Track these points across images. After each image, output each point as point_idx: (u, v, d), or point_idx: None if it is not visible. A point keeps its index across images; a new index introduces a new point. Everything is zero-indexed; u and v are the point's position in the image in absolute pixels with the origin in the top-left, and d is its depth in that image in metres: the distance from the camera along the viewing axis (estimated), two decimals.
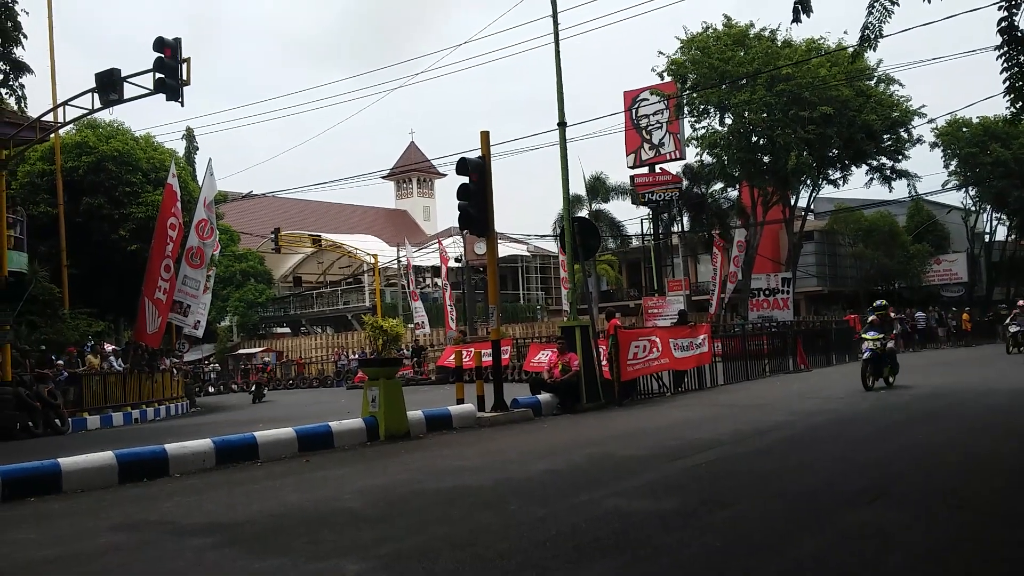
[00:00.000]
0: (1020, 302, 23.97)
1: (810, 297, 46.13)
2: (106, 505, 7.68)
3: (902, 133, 36.30)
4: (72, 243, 25.48)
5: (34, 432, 16.36)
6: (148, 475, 8.98)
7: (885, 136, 36.17)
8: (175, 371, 24.89)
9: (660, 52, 36.91)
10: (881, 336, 15.10)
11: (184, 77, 15.64)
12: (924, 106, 36.42)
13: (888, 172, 37.16)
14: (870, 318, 15.94)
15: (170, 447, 9.47)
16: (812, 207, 41.01)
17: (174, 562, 5.42)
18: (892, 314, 17.13)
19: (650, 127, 41.66)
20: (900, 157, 37.00)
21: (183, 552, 5.67)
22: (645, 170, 41.56)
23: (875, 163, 37.19)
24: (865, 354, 15.19)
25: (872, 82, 35.99)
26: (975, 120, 41.08)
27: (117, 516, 7.11)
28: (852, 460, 8.15)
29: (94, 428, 18.62)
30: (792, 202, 38.74)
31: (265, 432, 10.58)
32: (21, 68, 16.02)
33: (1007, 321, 24.95)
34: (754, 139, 35.56)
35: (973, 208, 45.22)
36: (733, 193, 41.73)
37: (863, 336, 15.51)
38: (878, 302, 16.25)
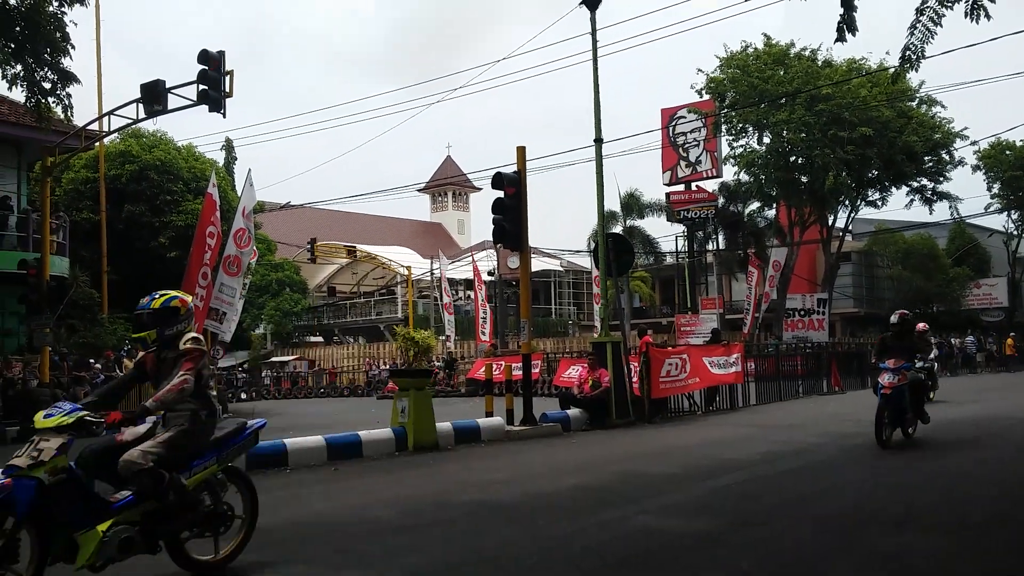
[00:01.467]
0: None
1: (846, 319, 45.50)
2: None
3: (944, 155, 35.80)
4: (113, 249, 25.98)
5: None
6: None
7: (926, 158, 35.69)
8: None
9: (699, 70, 36.87)
10: (903, 366, 10.45)
11: (227, 89, 15.88)
12: (967, 128, 35.99)
13: (929, 194, 36.67)
14: (882, 335, 11.78)
15: None
16: (850, 228, 40.53)
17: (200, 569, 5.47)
18: (921, 329, 13.95)
19: (687, 145, 41.53)
20: (941, 179, 36.51)
21: None
22: (681, 187, 41.42)
23: (915, 184, 36.71)
24: (880, 392, 10.35)
25: (914, 103, 35.58)
26: (1019, 143, 40.38)
27: None
28: (884, 485, 8.02)
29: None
30: (830, 222, 38.34)
31: (295, 439, 10.67)
32: (68, 78, 16.34)
33: None
34: (792, 159, 35.29)
35: (1015, 232, 44.39)
36: (770, 212, 41.41)
37: (881, 365, 10.67)
38: (894, 317, 11.30)
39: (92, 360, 19.88)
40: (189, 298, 5.54)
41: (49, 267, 17.76)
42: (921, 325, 14.19)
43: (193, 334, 5.37)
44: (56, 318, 17.84)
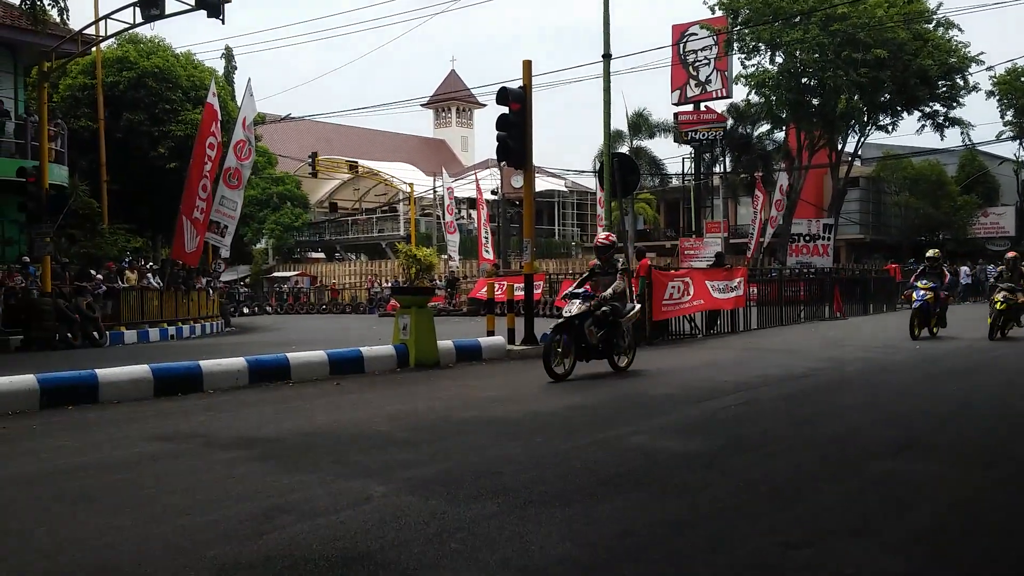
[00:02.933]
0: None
1: (851, 245, 45.33)
2: (141, 417, 7.87)
3: (958, 80, 35.03)
4: (112, 159, 25.72)
5: (72, 343, 16.74)
6: (182, 390, 9.16)
7: (940, 82, 34.94)
8: (211, 290, 25.24)
9: None
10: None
11: None
12: (983, 53, 34.99)
13: (941, 120, 36.01)
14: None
15: (204, 364, 9.64)
16: (859, 153, 39.99)
17: (206, 473, 5.54)
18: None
19: (697, 63, 40.62)
20: (954, 105, 35.79)
21: (214, 464, 5.79)
22: (690, 108, 40.72)
23: (928, 110, 36.02)
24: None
25: (930, 25, 34.64)
26: None
27: (151, 427, 7.27)
28: (883, 409, 8.06)
29: (131, 342, 19.04)
30: (839, 147, 37.80)
31: (298, 354, 10.72)
32: None
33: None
34: (804, 80, 34.56)
35: None
36: (779, 135, 40.81)
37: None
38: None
39: (93, 271, 19.87)
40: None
41: (48, 175, 17.59)
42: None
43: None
44: (56, 227, 17.77)
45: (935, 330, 15.00)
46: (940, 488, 5.16)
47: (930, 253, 15.57)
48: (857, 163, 40.98)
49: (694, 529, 4.29)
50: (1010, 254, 15.54)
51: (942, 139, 36.91)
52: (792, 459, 5.93)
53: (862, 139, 38.61)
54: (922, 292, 14.58)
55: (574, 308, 10.08)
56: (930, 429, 7.13)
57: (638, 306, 11.36)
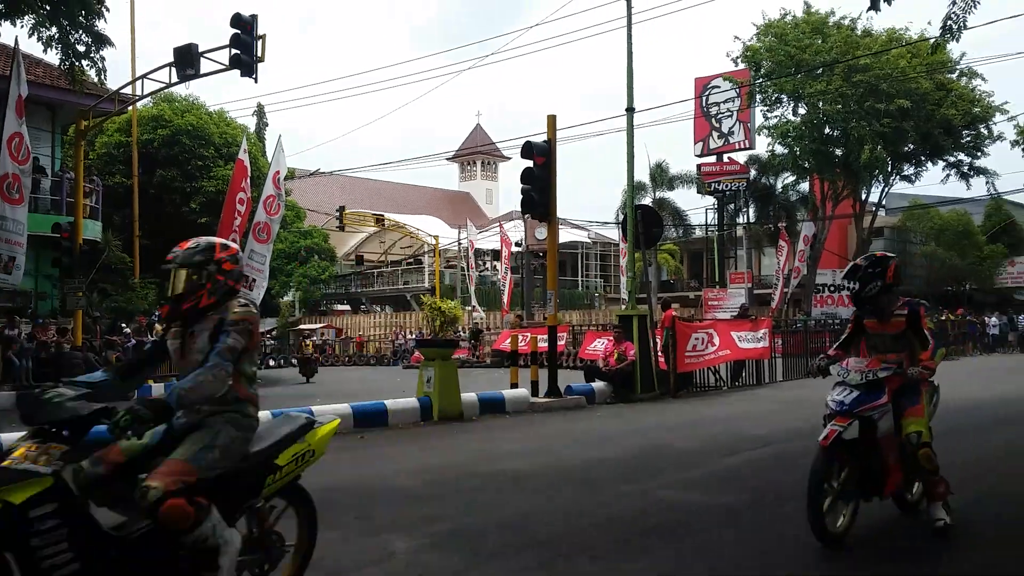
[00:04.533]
0: None
1: None
2: None
3: (982, 129, 35.01)
4: (145, 214, 26.26)
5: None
6: None
7: (964, 132, 34.94)
8: None
9: (736, 37, 36.40)
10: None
11: (259, 54, 15.90)
12: (1007, 102, 35.05)
13: (966, 169, 35.94)
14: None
15: None
16: (884, 203, 39.87)
17: None
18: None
19: (720, 115, 40.96)
20: (979, 154, 35.72)
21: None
22: (713, 159, 40.95)
23: (952, 159, 35.97)
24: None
25: (953, 75, 34.78)
26: None
27: None
28: None
29: (158, 395, 19.17)
30: (863, 197, 37.74)
31: (322, 407, 10.79)
32: (102, 41, 16.45)
33: None
34: (827, 131, 34.71)
35: None
36: (803, 186, 40.86)
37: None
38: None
39: (123, 324, 20.16)
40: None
41: (82, 231, 18.00)
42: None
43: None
44: (89, 282, 18.10)
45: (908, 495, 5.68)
46: (969, 541, 5.08)
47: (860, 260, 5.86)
48: (882, 213, 40.84)
49: None
50: None
51: (967, 188, 36.79)
52: None
53: (886, 189, 38.56)
54: (834, 399, 5.23)
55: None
56: (962, 480, 7.01)
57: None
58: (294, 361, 40.15)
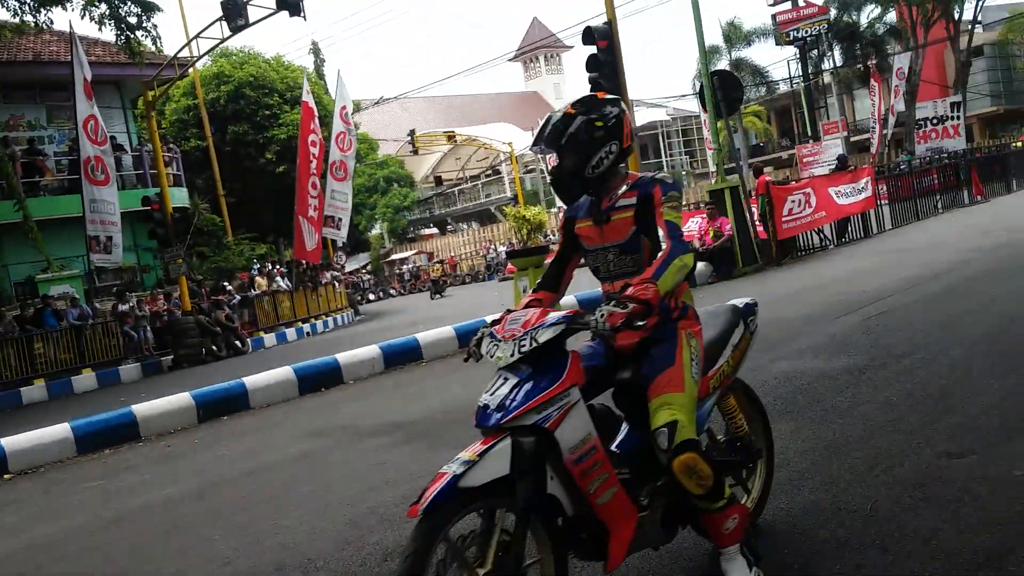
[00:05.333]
0: None
1: (984, 120, 42.10)
2: (291, 417, 8.22)
3: None
4: (225, 172, 26.83)
5: (218, 355, 17.67)
6: (325, 385, 9.50)
7: None
8: (336, 283, 26.08)
9: None
10: None
11: None
12: None
13: None
14: None
15: (341, 356, 9.95)
16: (980, 18, 36.88)
17: (359, 463, 5.75)
18: None
19: None
20: None
21: (365, 453, 5.98)
22: (788, 5, 38.56)
23: None
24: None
25: None
26: None
27: (302, 426, 7.58)
28: None
29: (271, 345, 19.94)
30: (956, 16, 34.97)
31: (426, 333, 10.90)
32: (151, 8, 16.55)
33: None
34: None
35: None
36: (889, 16, 38.09)
37: None
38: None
39: (225, 283, 20.86)
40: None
41: (170, 199, 18.50)
42: None
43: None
44: (186, 248, 18.70)
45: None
46: None
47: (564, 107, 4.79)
48: (979, 30, 37.84)
49: (849, 451, 4.12)
50: None
51: None
52: (943, 364, 5.56)
53: (981, 2, 35.60)
54: (486, 403, 3.39)
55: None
56: None
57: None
58: (392, 292, 41.03)
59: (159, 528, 5.09)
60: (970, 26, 36.00)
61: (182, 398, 8.67)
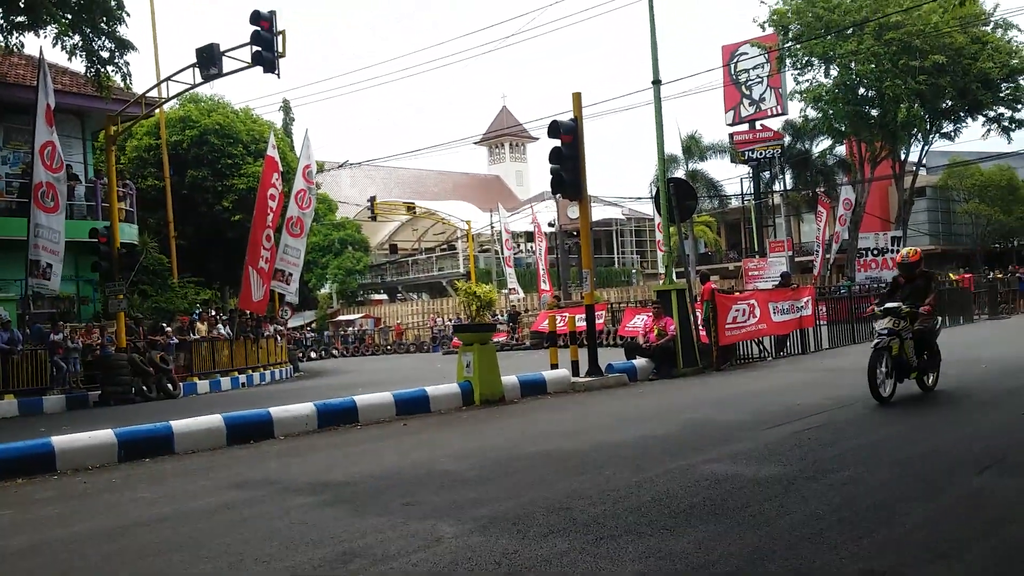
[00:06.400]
0: None
1: (922, 256, 43.98)
2: (216, 466, 8.00)
3: (1022, 81, 33.99)
4: (179, 215, 26.60)
5: (148, 396, 17.21)
6: (255, 437, 9.31)
7: (1003, 85, 33.95)
8: (278, 337, 25.74)
9: (761, 1, 35.54)
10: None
11: (280, 49, 15.89)
12: None
13: (1007, 123, 34.95)
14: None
15: (275, 411, 9.79)
16: (924, 161, 38.98)
17: (280, 520, 5.59)
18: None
19: (750, 82, 40.33)
20: (1020, 106, 34.70)
21: (289, 511, 5.84)
22: (745, 127, 40.34)
23: (992, 113, 35.01)
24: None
25: (988, 27, 33.79)
26: None
27: (226, 476, 7.39)
28: (965, 426, 7.74)
29: (204, 392, 19.47)
30: (902, 157, 36.91)
31: (365, 396, 10.81)
32: (125, 46, 16.64)
33: None
34: (861, 91, 33.95)
35: None
36: (839, 149, 40.04)
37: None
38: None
39: (165, 324, 20.45)
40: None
41: (119, 234, 18.24)
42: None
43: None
44: (128, 284, 18.36)
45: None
46: None
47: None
48: (922, 172, 39.94)
49: (773, 560, 4.15)
50: None
51: (1009, 142, 35.85)
52: (872, 481, 5.71)
53: (926, 147, 37.69)
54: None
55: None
56: (1018, 443, 6.82)
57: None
58: (335, 352, 40.57)
59: (65, 565, 4.88)
60: (915, 168, 37.95)
61: (104, 434, 8.39)
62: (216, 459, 8.39)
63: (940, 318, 12.02)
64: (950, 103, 34.33)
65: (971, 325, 24.63)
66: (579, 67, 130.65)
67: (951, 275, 31.02)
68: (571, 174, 13.76)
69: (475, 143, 74.43)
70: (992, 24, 33.69)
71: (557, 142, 13.80)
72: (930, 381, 9.74)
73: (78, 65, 17.31)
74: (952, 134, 36.51)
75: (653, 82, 15.67)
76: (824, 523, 4.73)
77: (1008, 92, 34.25)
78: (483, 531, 4.93)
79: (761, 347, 16.98)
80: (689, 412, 9.75)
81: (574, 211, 19.68)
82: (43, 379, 16.54)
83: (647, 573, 4.00)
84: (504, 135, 74.87)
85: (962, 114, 35.38)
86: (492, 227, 44.77)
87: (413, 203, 45.21)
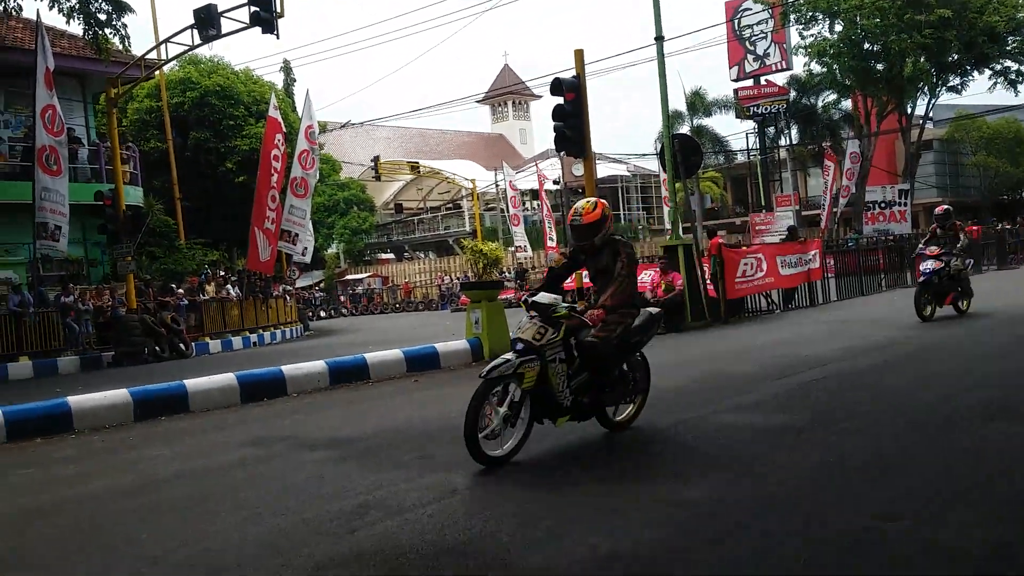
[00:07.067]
0: None
1: (929, 209, 43.59)
2: (230, 423, 8.10)
3: None
4: (183, 177, 26.51)
5: (160, 356, 17.34)
6: (268, 395, 9.40)
7: (1009, 38, 33.46)
8: (288, 297, 25.82)
9: None
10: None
11: (278, 9, 15.73)
12: None
13: (1013, 75, 34.51)
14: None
15: (287, 368, 9.87)
16: (931, 115, 38.58)
17: (296, 475, 5.68)
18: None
19: (754, 37, 39.76)
20: None
21: (305, 465, 5.93)
22: (750, 82, 39.88)
23: (999, 67, 34.56)
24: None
25: None
26: None
27: (241, 433, 7.48)
28: (973, 376, 7.76)
29: (216, 352, 19.59)
30: (909, 110, 36.53)
31: (375, 354, 10.89)
32: (123, 7, 16.45)
33: None
34: (867, 46, 33.48)
35: None
36: (845, 103, 39.63)
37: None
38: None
39: (174, 285, 20.54)
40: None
41: (124, 197, 18.22)
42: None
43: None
44: (136, 246, 18.40)
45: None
46: None
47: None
48: (929, 125, 39.55)
49: (784, 508, 4.20)
50: None
51: (1016, 95, 35.42)
52: (881, 430, 5.76)
53: (932, 101, 37.28)
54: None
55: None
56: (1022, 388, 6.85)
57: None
58: (343, 312, 40.76)
59: (87, 522, 4.97)
60: (921, 121, 37.58)
61: (120, 394, 8.49)
62: (230, 417, 8.49)
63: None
64: (956, 57, 33.86)
65: (980, 275, 24.54)
66: (581, 24, 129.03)
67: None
68: (575, 131, 13.68)
69: (478, 102, 73.76)
70: None
71: (560, 99, 13.70)
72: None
73: (76, 28, 17.14)
74: (959, 87, 36.07)
75: (656, 38, 15.48)
76: (833, 472, 4.79)
77: (1015, 45, 33.77)
78: (497, 482, 5.00)
79: (769, 300, 16.99)
80: (697, 365, 9.79)
81: (579, 168, 19.50)
82: (57, 341, 16.66)
83: (663, 521, 4.06)
84: (507, 93, 74.15)
85: (968, 67, 34.92)
86: (497, 185, 44.58)
87: (417, 162, 45.00)
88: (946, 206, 13.35)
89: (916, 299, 12.05)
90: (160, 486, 5.72)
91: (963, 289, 12.42)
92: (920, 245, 12.95)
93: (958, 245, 12.29)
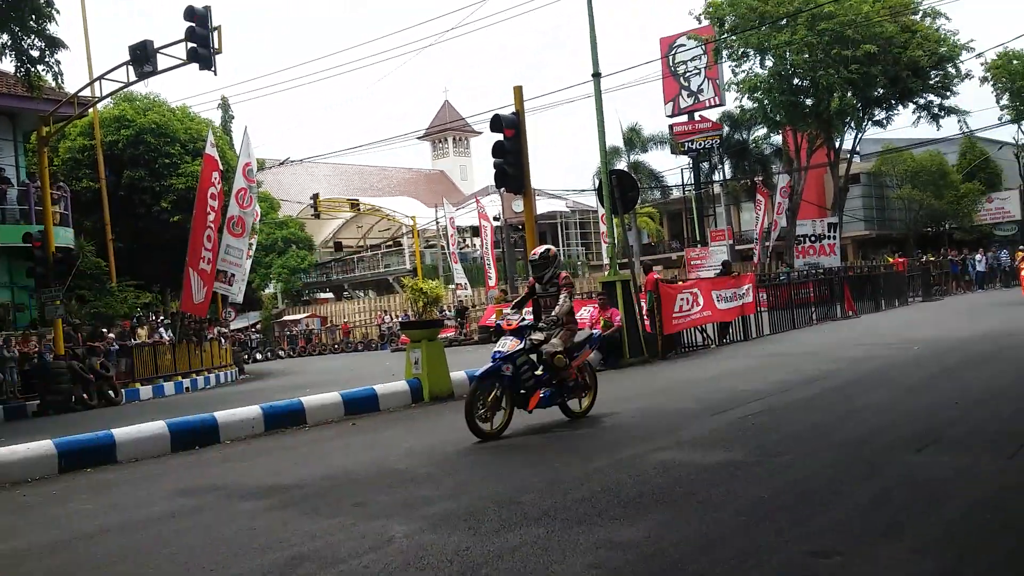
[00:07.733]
0: None
1: (858, 241, 45.19)
2: (160, 473, 7.85)
3: (950, 69, 35.00)
4: (116, 217, 25.93)
5: (89, 404, 16.78)
6: (199, 443, 9.14)
7: (932, 72, 34.91)
8: (223, 339, 25.29)
9: None
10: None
11: (216, 46, 15.58)
12: (973, 40, 35.15)
13: (936, 110, 35.98)
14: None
15: (219, 415, 9.63)
16: (858, 149, 39.92)
17: (227, 526, 5.51)
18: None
19: (688, 74, 40.83)
20: (948, 94, 35.72)
21: (236, 516, 5.76)
22: (684, 118, 40.86)
23: (922, 101, 36.01)
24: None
25: (917, 16, 34.74)
26: None
27: (171, 483, 7.25)
28: (902, 407, 7.98)
29: (147, 398, 19.04)
30: (837, 145, 37.79)
31: (312, 397, 10.69)
32: (56, 44, 16.13)
33: None
34: (796, 81, 34.62)
35: None
36: (776, 139, 40.85)
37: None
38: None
39: (105, 330, 19.96)
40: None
41: (53, 239, 17.72)
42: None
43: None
44: (65, 290, 17.87)
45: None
46: (966, 482, 5.10)
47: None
48: (856, 159, 40.90)
49: (721, 545, 4.24)
50: None
51: (938, 129, 36.88)
52: (816, 464, 5.87)
53: (859, 135, 38.60)
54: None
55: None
56: (951, 421, 7.06)
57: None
58: (280, 354, 40.04)
59: None
60: (849, 155, 38.86)
61: (43, 445, 8.16)
62: (160, 467, 8.23)
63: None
64: (882, 91, 35.18)
65: (905, 308, 25.37)
66: (520, 61, 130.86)
67: (887, 259, 31.92)
68: (514, 168, 13.81)
69: (418, 138, 73.90)
70: (921, 13, 34.60)
71: (500, 136, 13.83)
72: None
73: (7, 65, 16.75)
74: (884, 121, 37.43)
75: (593, 75, 15.76)
76: (770, 507, 4.85)
77: (937, 79, 35.20)
78: (434, 529, 4.93)
79: (705, 335, 17.25)
80: (635, 401, 9.87)
81: (518, 205, 19.68)
82: None
83: (599, 564, 4.05)
84: (447, 130, 74.53)
85: (893, 102, 36.27)
86: (437, 222, 44.60)
87: (357, 200, 44.79)
88: (548, 245, 9.10)
89: (468, 405, 7.70)
90: (85, 542, 5.49)
91: (576, 381, 8.48)
92: (507, 310, 8.85)
93: (554, 312, 8.25)
